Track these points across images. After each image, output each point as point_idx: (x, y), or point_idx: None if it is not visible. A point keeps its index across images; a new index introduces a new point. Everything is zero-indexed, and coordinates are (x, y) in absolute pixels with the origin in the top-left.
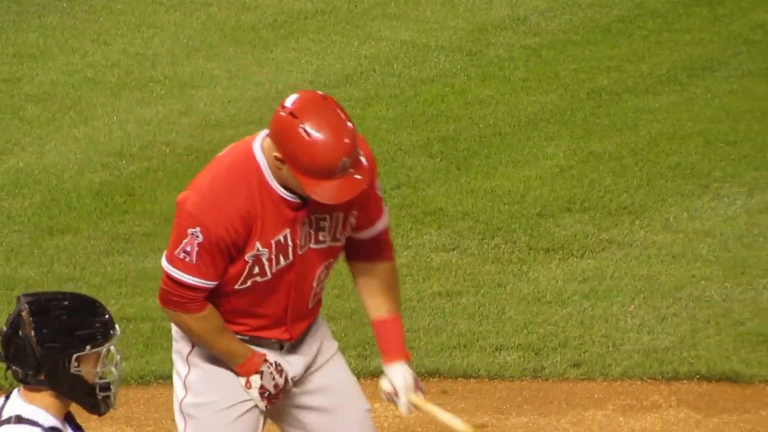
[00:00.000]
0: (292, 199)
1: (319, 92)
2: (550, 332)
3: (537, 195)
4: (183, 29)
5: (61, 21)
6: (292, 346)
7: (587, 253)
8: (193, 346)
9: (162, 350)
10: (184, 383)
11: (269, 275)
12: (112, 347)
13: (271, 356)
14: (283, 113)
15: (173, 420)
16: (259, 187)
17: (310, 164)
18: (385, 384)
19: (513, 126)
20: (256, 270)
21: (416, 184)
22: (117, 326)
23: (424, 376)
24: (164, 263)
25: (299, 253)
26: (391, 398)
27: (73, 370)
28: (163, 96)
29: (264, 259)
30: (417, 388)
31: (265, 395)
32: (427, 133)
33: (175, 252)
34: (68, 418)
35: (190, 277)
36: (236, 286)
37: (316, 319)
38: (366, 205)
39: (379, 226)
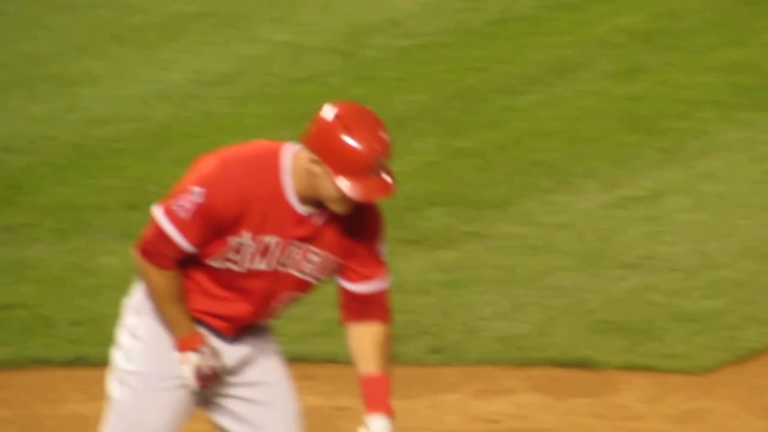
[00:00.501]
0: (299, 211)
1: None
2: (412, 320)
3: (404, 189)
4: (71, 30)
5: None
6: (232, 338)
7: (450, 245)
8: (139, 319)
9: (39, 336)
10: (126, 353)
11: (244, 269)
12: None
13: (212, 341)
14: (326, 118)
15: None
16: (271, 185)
17: (349, 160)
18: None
19: (385, 121)
20: (235, 257)
21: None
22: None
23: (290, 361)
24: (157, 212)
25: (278, 267)
26: None
27: None
28: (51, 93)
29: (245, 251)
30: None
31: (198, 375)
32: (302, 130)
33: (173, 203)
34: None
35: (175, 232)
36: (211, 261)
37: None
38: (363, 256)
39: (379, 285)
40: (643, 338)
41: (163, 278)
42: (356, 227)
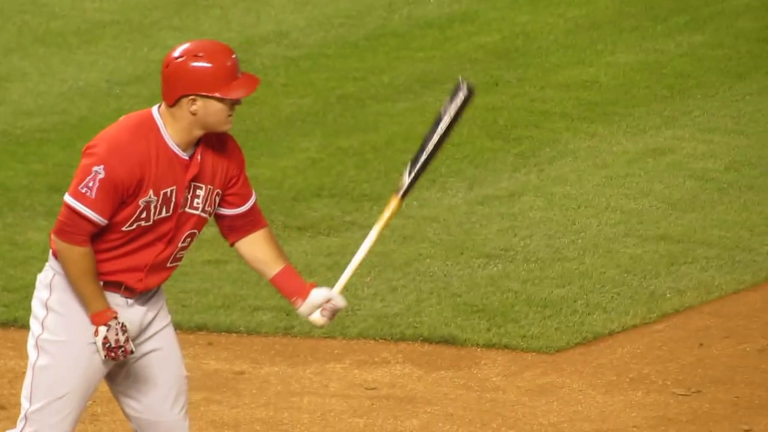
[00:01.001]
0: (181, 155)
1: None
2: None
3: (292, 182)
4: (1, 32)
5: None
6: (137, 300)
7: (333, 232)
8: (51, 293)
9: None
10: (42, 323)
11: (151, 221)
12: None
13: (121, 315)
14: (172, 63)
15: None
16: (156, 143)
17: (214, 73)
18: (314, 315)
19: (274, 124)
20: (144, 215)
21: None
22: None
23: (193, 330)
24: (67, 197)
25: (178, 210)
26: (332, 313)
27: None
28: None
29: (152, 206)
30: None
31: (106, 346)
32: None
33: (79, 187)
34: None
35: (88, 210)
36: (124, 228)
37: (161, 290)
38: (239, 182)
39: (253, 199)
40: (502, 320)
41: (80, 256)
42: (226, 159)
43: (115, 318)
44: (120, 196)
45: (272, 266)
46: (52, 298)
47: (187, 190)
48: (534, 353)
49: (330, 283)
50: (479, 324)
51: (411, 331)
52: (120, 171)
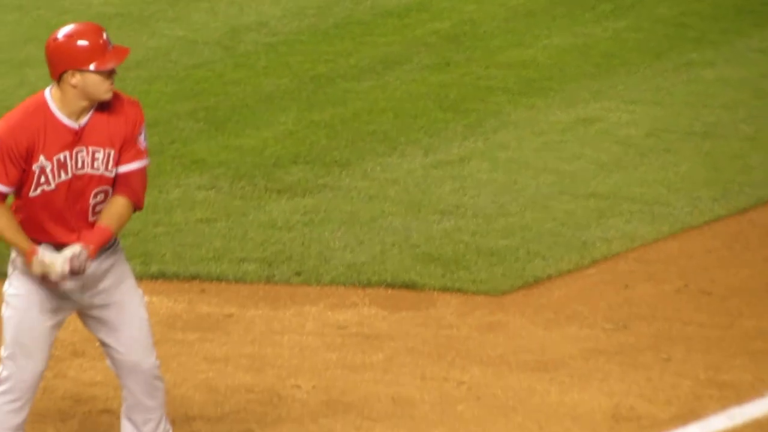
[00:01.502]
0: (70, 125)
1: None
2: (280, 249)
3: (272, 151)
4: (19, 25)
5: None
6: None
7: (308, 193)
8: (15, 255)
9: None
10: (9, 281)
11: (53, 185)
12: None
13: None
14: (52, 44)
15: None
16: (45, 115)
17: (85, 48)
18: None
19: (256, 100)
20: (43, 179)
21: (186, 141)
22: None
23: (188, 279)
24: None
25: (76, 173)
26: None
27: None
28: (4, 73)
29: (47, 171)
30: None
31: (43, 273)
32: (194, 104)
33: None
34: None
35: None
36: (30, 194)
37: (114, 247)
38: (129, 147)
39: (133, 166)
40: (455, 267)
41: None
42: (121, 124)
43: (40, 250)
44: (16, 163)
45: (102, 220)
46: (16, 257)
47: (82, 154)
48: (482, 295)
49: (307, 238)
50: (435, 271)
51: (376, 278)
52: (11, 142)
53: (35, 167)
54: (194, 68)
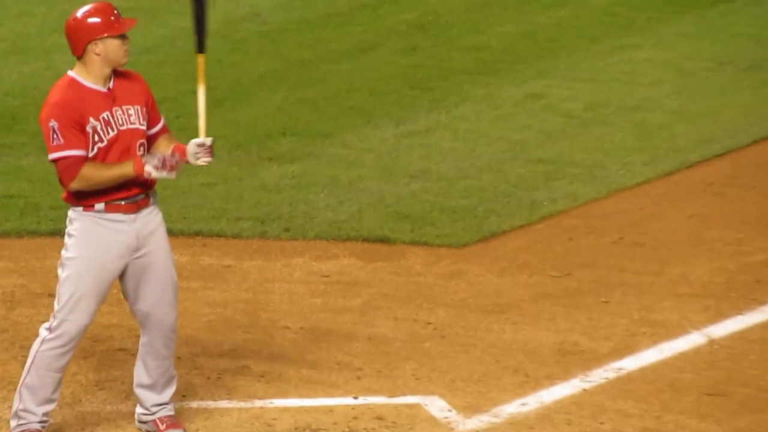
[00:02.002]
0: (101, 89)
1: None
2: (271, 209)
3: (264, 124)
4: (47, 17)
5: None
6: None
7: (295, 161)
8: (71, 225)
9: (30, 216)
10: (66, 246)
11: (105, 141)
12: None
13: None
14: (72, 23)
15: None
16: (78, 88)
17: (103, 21)
18: (199, 160)
19: (249, 81)
20: (96, 138)
21: (189, 116)
22: None
23: (192, 235)
24: (50, 157)
25: (120, 128)
26: (207, 151)
27: None
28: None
29: (99, 129)
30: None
31: (161, 165)
32: (196, 85)
33: (50, 141)
34: None
35: (67, 151)
36: (90, 154)
37: (155, 209)
38: (153, 107)
39: (161, 124)
40: (422, 224)
41: (88, 173)
42: (138, 86)
43: (144, 160)
44: (75, 128)
45: (168, 146)
46: (71, 227)
47: (119, 113)
48: (446, 248)
49: (295, 199)
50: (405, 227)
51: (354, 233)
52: (63, 114)
53: (89, 128)
54: (196, 54)
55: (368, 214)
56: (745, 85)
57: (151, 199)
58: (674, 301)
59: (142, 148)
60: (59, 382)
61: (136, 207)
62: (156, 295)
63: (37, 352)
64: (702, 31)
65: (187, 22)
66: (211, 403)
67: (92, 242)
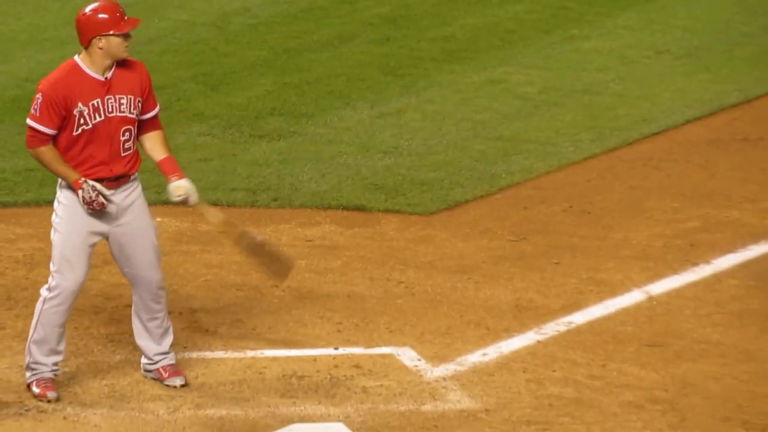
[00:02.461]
0: (99, 78)
1: None
2: (261, 181)
3: (254, 106)
4: (62, 11)
5: None
6: (117, 191)
7: (282, 138)
8: (59, 192)
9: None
10: (55, 212)
11: (90, 125)
12: None
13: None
14: (82, 18)
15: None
16: (78, 73)
17: (109, 19)
18: (175, 191)
19: (242, 68)
20: (82, 121)
21: (188, 99)
22: None
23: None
24: (27, 120)
25: (108, 115)
26: (185, 200)
27: None
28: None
29: (86, 114)
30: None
31: (86, 201)
32: (194, 71)
33: (31, 110)
34: None
35: (37, 124)
36: (74, 133)
37: (135, 184)
38: (148, 97)
39: (155, 111)
40: (395, 194)
41: (44, 152)
42: (137, 78)
43: (86, 182)
44: (58, 112)
45: (158, 154)
46: (60, 193)
47: (110, 101)
48: (416, 215)
49: (282, 172)
50: (380, 197)
51: (335, 203)
52: (51, 94)
53: (75, 111)
54: (194, 44)
55: (347, 186)
56: (680, 71)
57: (131, 177)
58: (617, 262)
59: (127, 134)
60: (62, 336)
61: (117, 185)
62: (138, 259)
63: (41, 311)
64: (642, 24)
65: (186, 15)
66: (208, 354)
67: (77, 207)
